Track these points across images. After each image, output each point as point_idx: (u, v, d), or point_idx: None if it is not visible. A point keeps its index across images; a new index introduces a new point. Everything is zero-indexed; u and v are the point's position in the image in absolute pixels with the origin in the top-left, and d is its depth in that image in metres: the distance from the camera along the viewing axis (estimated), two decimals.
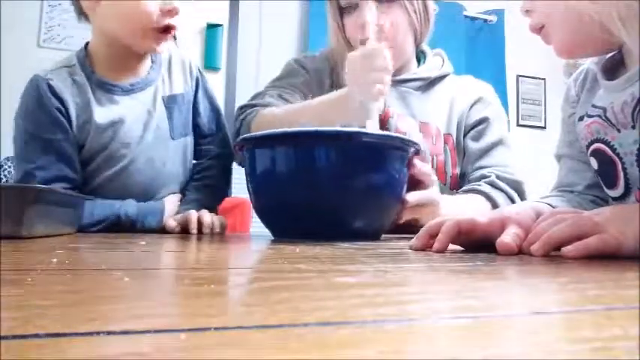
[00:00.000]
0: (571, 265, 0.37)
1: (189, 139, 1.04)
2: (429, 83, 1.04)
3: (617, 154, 0.58)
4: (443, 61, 1.08)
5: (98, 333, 0.14)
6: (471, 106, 1.03)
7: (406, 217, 0.75)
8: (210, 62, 2.43)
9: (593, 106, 0.63)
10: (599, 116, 0.61)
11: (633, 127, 0.56)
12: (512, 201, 0.94)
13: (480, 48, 2.94)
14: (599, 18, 0.54)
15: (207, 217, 0.90)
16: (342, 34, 0.98)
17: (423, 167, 0.75)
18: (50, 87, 0.91)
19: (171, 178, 1.00)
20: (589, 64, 0.71)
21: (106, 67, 0.96)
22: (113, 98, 0.95)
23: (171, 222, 0.90)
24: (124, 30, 0.91)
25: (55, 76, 0.92)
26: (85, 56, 0.96)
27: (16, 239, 0.55)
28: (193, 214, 0.90)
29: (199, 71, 1.07)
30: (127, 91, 0.96)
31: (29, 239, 0.56)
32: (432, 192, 0.77)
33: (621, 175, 0.58)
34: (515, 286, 0.28)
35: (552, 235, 0.44)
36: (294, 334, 0.15)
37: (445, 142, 1.00)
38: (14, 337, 0.14)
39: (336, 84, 0.99)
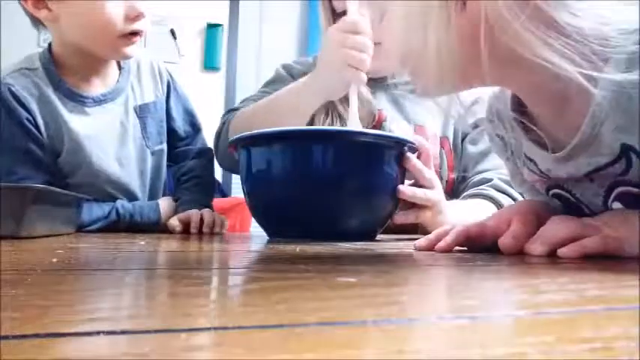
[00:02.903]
0: (571, 265, 0.37)
1: (164, 147, 1.02)
2: None
3: (581, 202, 0.53)
4: None
5: (98, 333, 0.14)
6: (468, 108, 1.01)
7: (400, 219, 0.71)
8: (210, 62, 2.44)
9: (529, 159, 0.54)
10: (555, 182, 0.53)
11: (592, 181, 0.50)
12: None
13: None
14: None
15: (208, 216, 0.91)
16: None
17: (417, 162, 0.70)
18: (13, 94, 0.86)
19: (151, 187, 1.00)
20: (489, 99, 0.63)
21: (74, 76, 0.92)
22: (84, 110, 0.91)
23: (173, 221, 0.90)
24: (89, 40, 0.86)
25: (15, 81, 0.87)
26: (50, 61, 0.90)
27: (16, 239, 0.55)
28: (195, 213, 0.91)
29: (169, 74, 1.06)
30: (99, 102, 0.93)
31: (29, 239, 0.56)
32: (431, 193, 0.71)
33: (589, 213, 0.53)
34: (515, 286, 0.28)
35: (552, 235, 0.44)
36: (294, 334, 0.15)
37: (441, 146, 0.97)
38: (14, 337, 0.14)
39: None
